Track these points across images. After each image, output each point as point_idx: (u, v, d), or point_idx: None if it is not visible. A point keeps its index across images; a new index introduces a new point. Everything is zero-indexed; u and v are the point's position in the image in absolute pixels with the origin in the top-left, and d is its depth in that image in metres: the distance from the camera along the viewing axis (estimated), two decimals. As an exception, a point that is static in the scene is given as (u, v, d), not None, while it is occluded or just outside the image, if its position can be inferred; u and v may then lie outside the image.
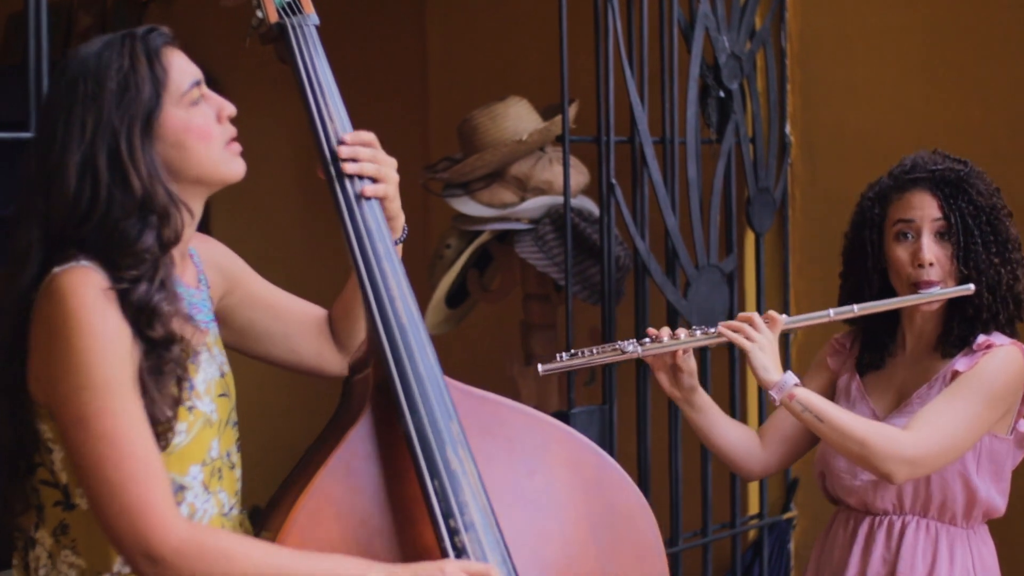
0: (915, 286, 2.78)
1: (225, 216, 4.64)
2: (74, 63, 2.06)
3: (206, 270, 2.27)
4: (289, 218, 5.72)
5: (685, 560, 3.76)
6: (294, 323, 2.40)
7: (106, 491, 1.96)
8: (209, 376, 2.15)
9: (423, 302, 4.11)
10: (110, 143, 2.01)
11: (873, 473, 2.71)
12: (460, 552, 2.14)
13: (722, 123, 3.87)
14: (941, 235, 2.78)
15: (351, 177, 2.24)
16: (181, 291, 2.11)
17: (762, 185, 3.98)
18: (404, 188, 4.91)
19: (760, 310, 3.96)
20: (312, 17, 2.32)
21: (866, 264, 2.86)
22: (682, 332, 2.79)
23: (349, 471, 2.18)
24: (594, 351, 2.79)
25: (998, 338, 2.77)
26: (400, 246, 2.35)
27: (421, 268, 4.46)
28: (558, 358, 2.79)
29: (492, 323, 4.49)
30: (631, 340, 2.79)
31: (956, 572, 2.77)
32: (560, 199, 3.68)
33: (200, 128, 2.09)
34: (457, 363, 5.01)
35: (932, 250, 2.77)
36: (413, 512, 2.19)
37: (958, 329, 2.79)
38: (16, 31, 5.67)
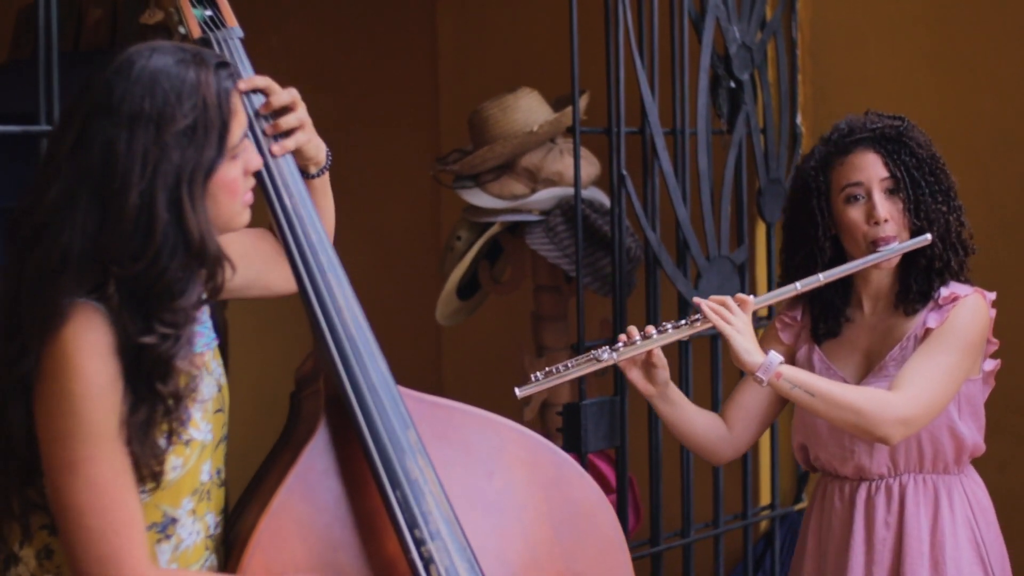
0: (873, 244, 2.80)
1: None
2: (144, 75, 1.96)
3: None
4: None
5: (697, 551, 3.76)
6: (260, 263, 2.33)
7: (85, 538, 1.94)
8: (207, 396, 2.12)
9: (434, 294, 4.12)
10: (172, 184, 1.95)
11: (868, 439, 2.72)
12: (428, 562, 2.12)
13: (733, 114, 3.87)
14: (890, 191, 2.81)
15: (289, 193, 2.20)
16: None
17: (773, 176, 3.97)
18: (415, 180, 4.89)
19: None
20: (236, 31, 2.27)
21: (816, 233, 2.85)
22: (652, 330, 2.75)
23: (308, 487, 2.15)
24: (569, 364, 2.73)
25: (960, 289, 2.80)
26: (327, 173, 2.32)
27: (432, 260, 4.47)
28: (533, 378, 2.72)
29: (503, 315, 4.48)
30: (604, 348, 2.74)
31: (958, 519, 2.81)
32: (571, 190, 3.68)
33: (232, 183, 2.03)
34: (468, 355, 5.03)
35: (885, 207, 2.79)
36: (376, 524, 2.17)
37: (916, 284, 2.82)
38: (26, 24, 5.67)
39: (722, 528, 3.84)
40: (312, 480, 2.16)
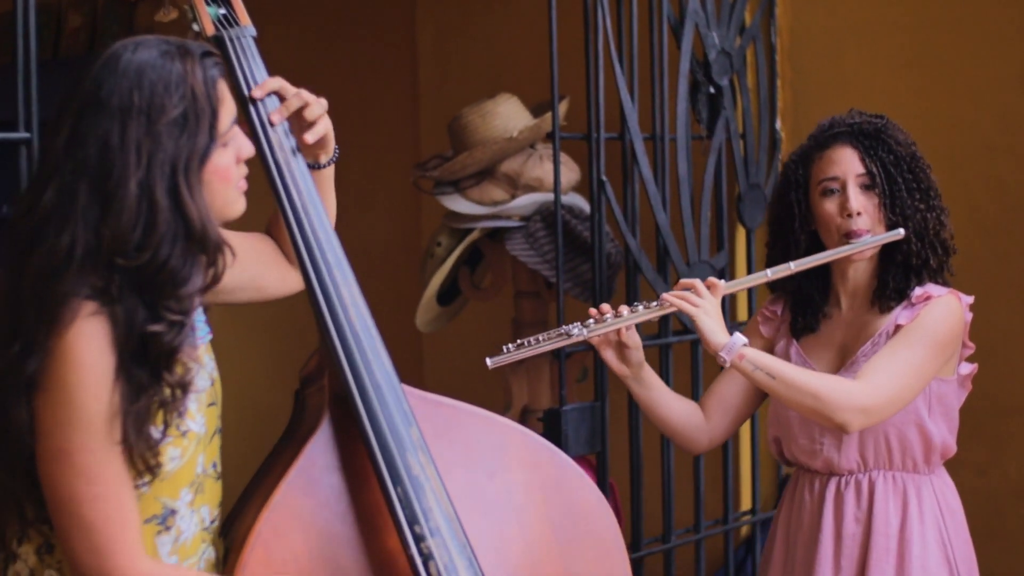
0: (846, 237, 2.83)
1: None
2: (130, 69, 1.98)
3: None
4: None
5: (678, 557, 3.77)
6: (255, 265, 2.35)
7: (77, 527, 1.95)
8: (200, 389, 2.12)
9: (414, 300, 4.12)
10: (169, 173, 1.97)
11: (826, 425, 2.74)
12: (427, 558, 2.13)
13: (712, 119, 3.87)
14: (866, 187, 2.84)
15: (298, 190, 2.22)
16: None
17: (753, 181, 3.98)
18: (395, 186, 4.88)
19: (751, 307, 3.98)
20: (249, 29, 2.29)
21: (793, 225, 2.90)
22: (624, 309, 2.79)
23: (310, 483, 2.17)
24: (540, 338, 2.77)
25: (935, 289, 2.83)
26: (332, 167, 2.35)
27: (412, 266, 4.46)
28: (504, 350, 2.76)
29: (483, 321, 4.48)
30: (576, 323, 2.78)
31: (927, 518, 2.83)
32: (551, 196, 3.68)
33: (224, 169, 2.06)
34: (448, 361, 5.02)
35: (859, 200, 2.82)
36: (377, 520, 2.18)
37: (893, 282, 2.85)
38: (5, 31, 5.66)
39: (703, 533, 3.84)
40: (314, 475, 2.17)
